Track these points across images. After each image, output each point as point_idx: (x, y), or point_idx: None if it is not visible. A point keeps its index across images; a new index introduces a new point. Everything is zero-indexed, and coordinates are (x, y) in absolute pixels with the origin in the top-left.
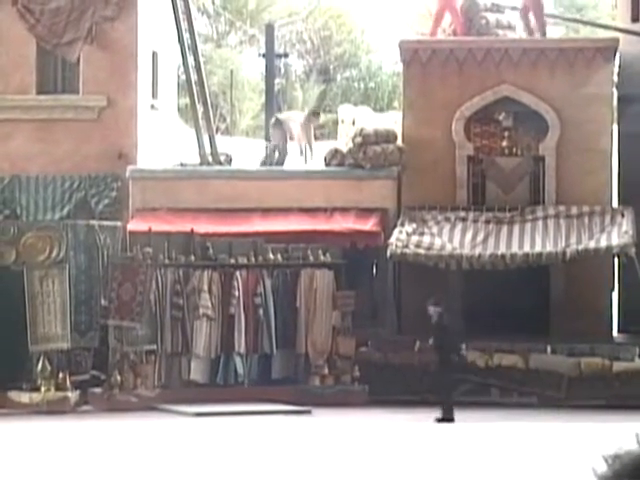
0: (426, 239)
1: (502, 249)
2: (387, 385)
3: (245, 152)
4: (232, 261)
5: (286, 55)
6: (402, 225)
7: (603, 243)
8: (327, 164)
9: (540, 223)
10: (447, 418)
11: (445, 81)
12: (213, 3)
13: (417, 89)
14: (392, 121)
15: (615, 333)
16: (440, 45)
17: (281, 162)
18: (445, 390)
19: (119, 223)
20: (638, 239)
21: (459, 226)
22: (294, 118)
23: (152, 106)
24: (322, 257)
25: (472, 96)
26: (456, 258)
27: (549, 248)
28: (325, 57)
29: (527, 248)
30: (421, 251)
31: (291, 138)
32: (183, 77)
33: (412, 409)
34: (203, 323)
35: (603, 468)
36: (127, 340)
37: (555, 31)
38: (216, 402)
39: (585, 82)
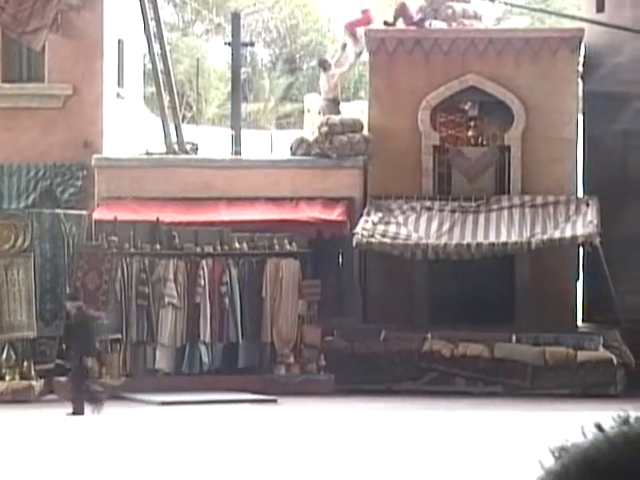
0: (392, 228)
1: (468, 239)
2: (353, 374)
3: (211, 141)
4: (198, 250)
5: (252, 44)
6: (368, 214)
7: (568, 233)
8: (293, 153)
9: (505, 213)
10: (77, 412)
11: (411, 71)
12: None
13: (383, 79)
14: (358, 111)
15: (580, 322)
16: (406, 35)
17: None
18: (76, 385)
19: (85, 212)
20: (603, 229)
21: (425, 215)
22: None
23: (118, 94)
24: (288, 246)
25: (438, 86)
26: (422, 247)
27: (514, 238)
28: (291, 46)
29: (492, 238)
30: (387, 240)
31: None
32: (149, 66)
33: (377, 398)
34: (169, 312)
35: (550, 462)
36: None
37: (521, 21)
38: (181, 391)
39: (550, 72)
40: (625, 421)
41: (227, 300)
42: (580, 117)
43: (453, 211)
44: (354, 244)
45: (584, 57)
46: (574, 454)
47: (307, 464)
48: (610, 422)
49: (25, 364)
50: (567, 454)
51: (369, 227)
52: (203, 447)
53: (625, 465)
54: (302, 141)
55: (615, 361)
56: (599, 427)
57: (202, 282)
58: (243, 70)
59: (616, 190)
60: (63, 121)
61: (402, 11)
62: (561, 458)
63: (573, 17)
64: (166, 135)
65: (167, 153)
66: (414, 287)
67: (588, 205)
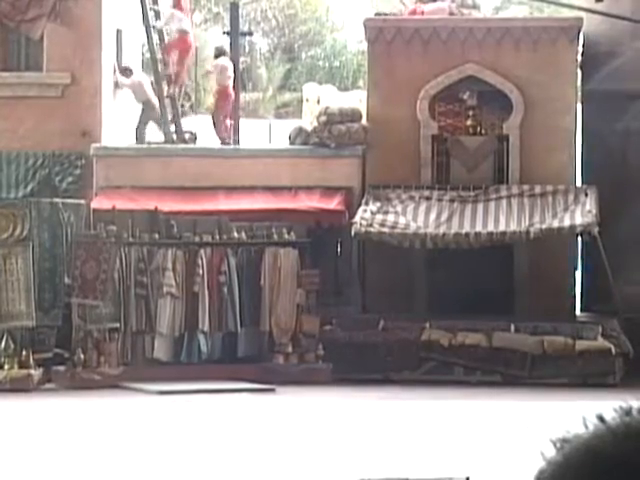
0: (390, 218)
1: (466, 228)
2: (351, 363)
3: (210, 130)
4: (196, 239)
5: (250, 33)
6: (366, 204)
7: (567, 222)
8: (292, 143)
9: (504, 202)
10: None
11: (410, 60)
12: None
13: (382, 68)
14: (357, 100)
15: (578, 312)
16: (405, 24)
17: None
18: None
19: (83, 201)
20: (601, 218)
21: (423, 205)
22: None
23: (116, 84)
24: (286, 236)
25: (437, 75)
26: (420, 237)
27: (513, 227)
28: (290, 35)
29: (491, 227)
30: (385, 230)
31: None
32: (147, 55)
33: (376, 387)
34: (167, 301)
35: (551, 452)
36: (91, 318)
37: (519, 10)
38: (180, 380)
39: (549, 61)
40: (627, 412)
41: (226, 289)
42: (579, 106)
43: (452, 200)
44: (352, 233)
45: (583, 47)
46: (576, 445)
47: (305, 453)
48: (610, 412)
49: (24, 353)
50: (569, 445)
51: (367, 216)
52: (201, 436)
53: (627, 457)
54: (301, 130)
55: (614, 350)
56: (601, 418)
57: (201, 271)
58: (242, 59)
59: (615, 180)
60: (61, 110)
61: None
62: (563, 449)
63: (572, 6)
64: (164, 124)
65: (165, 142)
66: (413, 277)
67: (587, 195)
